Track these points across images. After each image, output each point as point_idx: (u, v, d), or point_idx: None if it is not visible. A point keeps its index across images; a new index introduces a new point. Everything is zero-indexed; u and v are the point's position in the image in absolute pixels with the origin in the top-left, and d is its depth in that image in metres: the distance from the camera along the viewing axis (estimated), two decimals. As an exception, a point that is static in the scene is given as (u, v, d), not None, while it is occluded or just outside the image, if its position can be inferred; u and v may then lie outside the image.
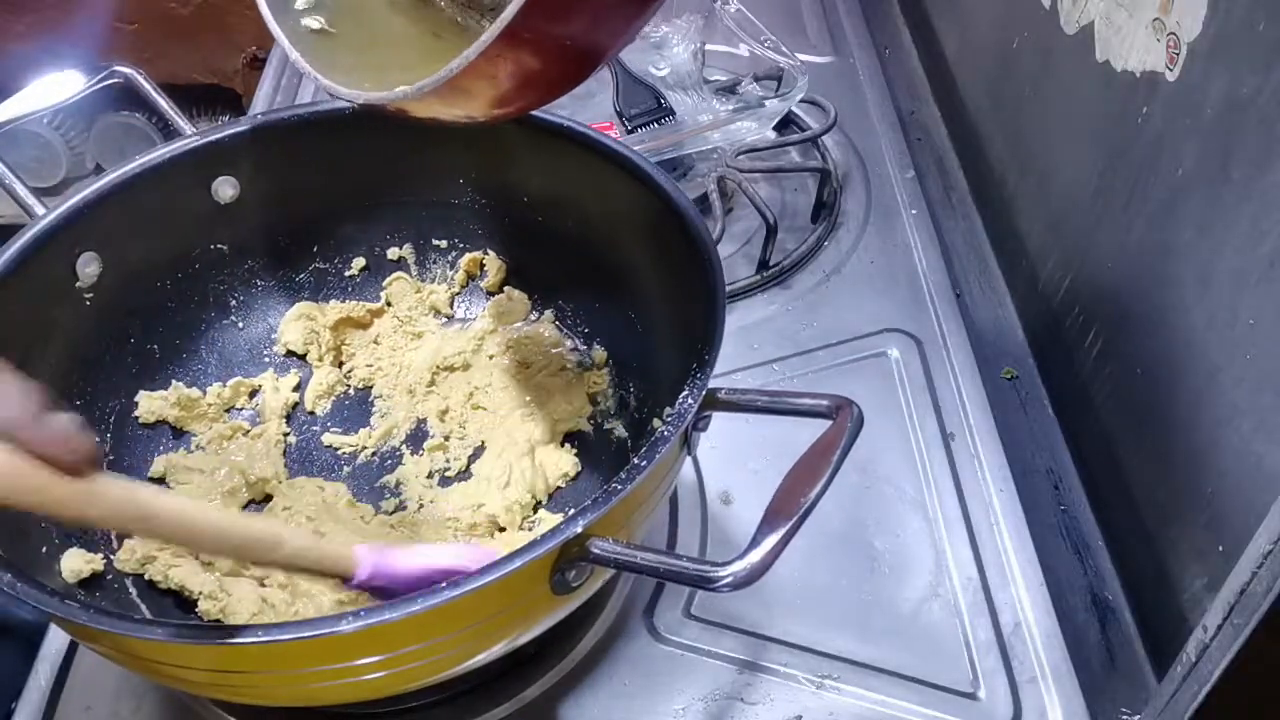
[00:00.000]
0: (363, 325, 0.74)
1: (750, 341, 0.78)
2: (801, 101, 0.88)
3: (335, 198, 0.72)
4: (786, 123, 0.94)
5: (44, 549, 0.56)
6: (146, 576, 0.58)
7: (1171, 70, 0.61)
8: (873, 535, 0.66)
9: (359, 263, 0.75)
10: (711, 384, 0.50)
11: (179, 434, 0.68)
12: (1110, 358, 0.70)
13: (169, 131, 0.67)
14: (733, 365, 0.75)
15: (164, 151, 0.65)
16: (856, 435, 0.46)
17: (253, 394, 0.71)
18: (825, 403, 0.48)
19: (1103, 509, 0.71)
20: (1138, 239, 0.67)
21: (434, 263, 0.76)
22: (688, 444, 0.53)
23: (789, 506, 0.43)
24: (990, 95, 0.94)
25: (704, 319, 0.53)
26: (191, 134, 0.66)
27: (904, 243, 0.86)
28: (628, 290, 0.67)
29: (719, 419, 0.72)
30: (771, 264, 0.83)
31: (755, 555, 0.41)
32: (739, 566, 0.41)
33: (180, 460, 0.65)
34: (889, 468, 0.69)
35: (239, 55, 1.60)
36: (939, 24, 1.10)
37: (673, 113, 0.86)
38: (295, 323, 0.72)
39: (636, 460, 0.47)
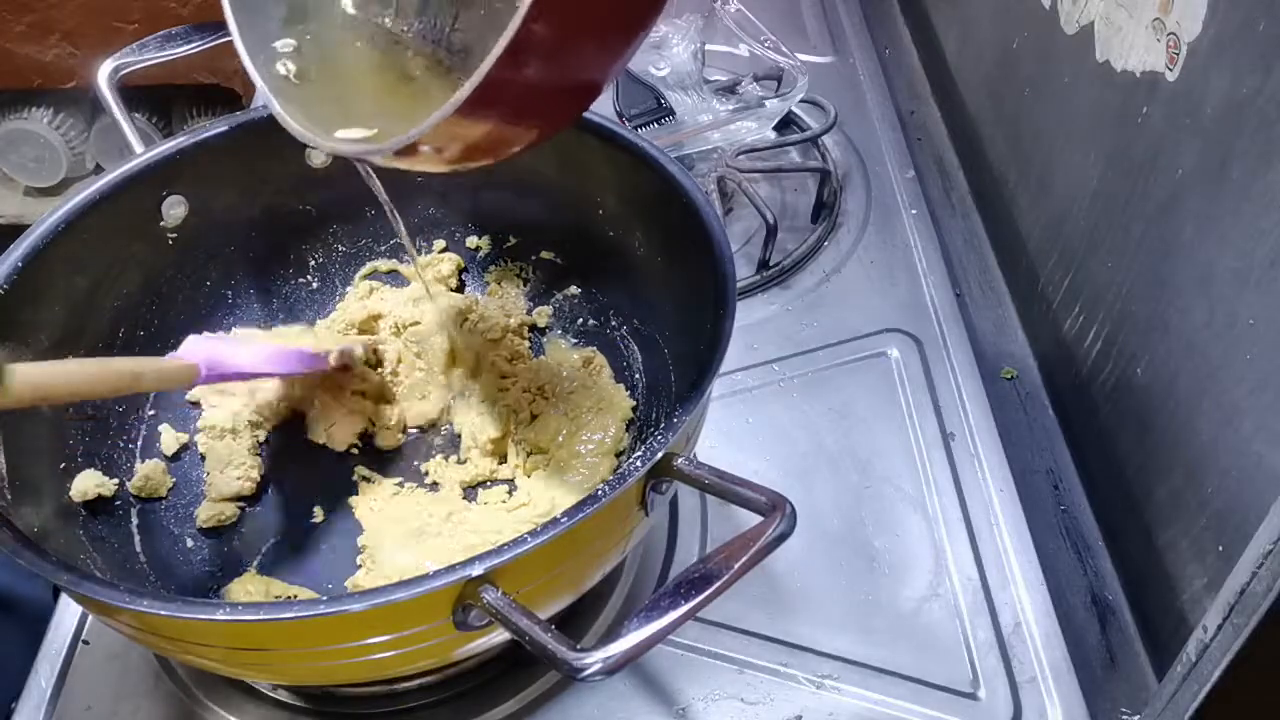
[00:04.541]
0: (370, 330, 0.72)
1: (750, 341, 0.78)
2: (801, 101, 0.88)
3: (425, 178, 0.72)
4: (786, 123, 0.94)
5: (61, 465, 0.58)
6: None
7: (1171, 70, 0.61)
8: (873, 535, 0.66)
9: (439, 244, 0.75)
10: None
11: None
12: (1110, 358, 0.70)
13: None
14: (733, 365, 0.75)
15: (264, 111, 0.65)
16: (783, 537, 0.43)
17: None
18: (764, 499, 0.45)
19: (1103, 509, 0.71)
20: (1137, 239, 0.67)
21: (505, 258, 0.75)
22: (645, 504, 0.49)
23: (685, 591, 0.41)
24: (990, 95, 0.94)
25: (692, 389, 0.50)
26: None
27: (904, 243, 0.86)
28: (660, 310, 0.67)
29: (722, 414, 0.73)
30: (771, 264, 0.83)
31: (618, 647, 0.39)
32: (606, 654, 0.39)
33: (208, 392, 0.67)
34: (889, 468, 0.69)
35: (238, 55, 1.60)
36: (939, 24, 1.10)
37: (673, 113, 0.87)
38: (356, 303, 0.73)
39: (559, 515, 0.43)
